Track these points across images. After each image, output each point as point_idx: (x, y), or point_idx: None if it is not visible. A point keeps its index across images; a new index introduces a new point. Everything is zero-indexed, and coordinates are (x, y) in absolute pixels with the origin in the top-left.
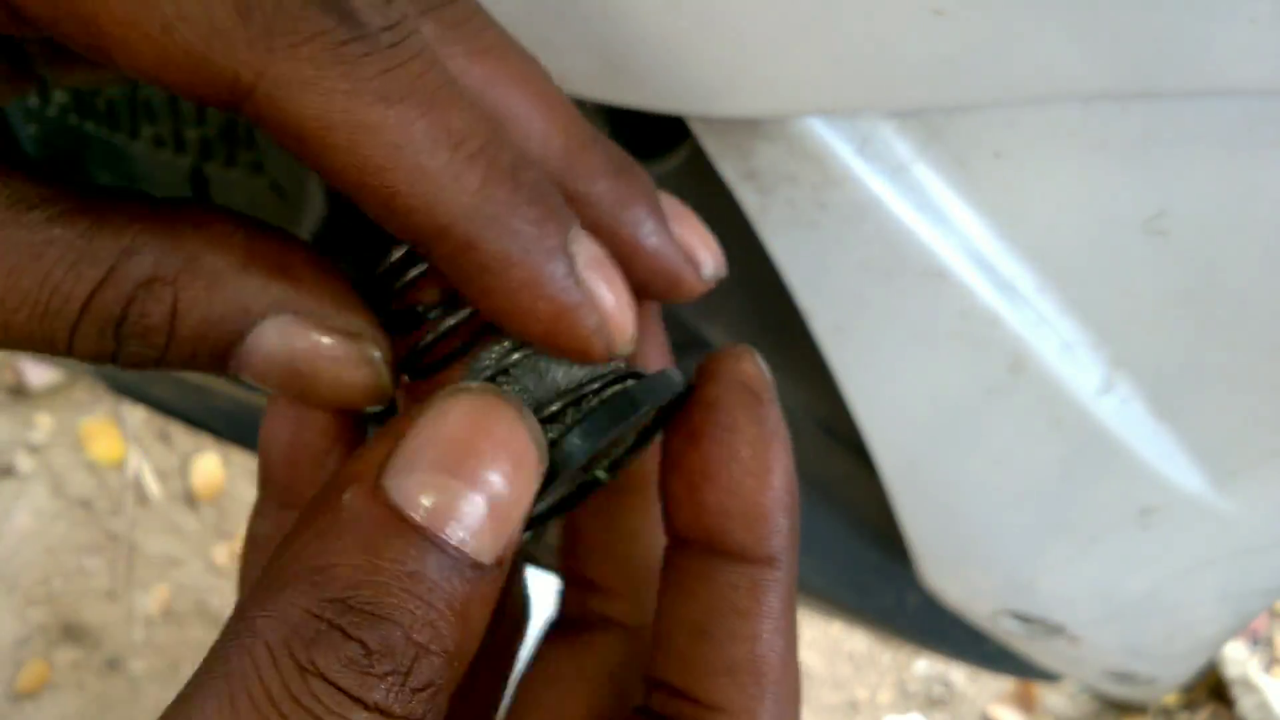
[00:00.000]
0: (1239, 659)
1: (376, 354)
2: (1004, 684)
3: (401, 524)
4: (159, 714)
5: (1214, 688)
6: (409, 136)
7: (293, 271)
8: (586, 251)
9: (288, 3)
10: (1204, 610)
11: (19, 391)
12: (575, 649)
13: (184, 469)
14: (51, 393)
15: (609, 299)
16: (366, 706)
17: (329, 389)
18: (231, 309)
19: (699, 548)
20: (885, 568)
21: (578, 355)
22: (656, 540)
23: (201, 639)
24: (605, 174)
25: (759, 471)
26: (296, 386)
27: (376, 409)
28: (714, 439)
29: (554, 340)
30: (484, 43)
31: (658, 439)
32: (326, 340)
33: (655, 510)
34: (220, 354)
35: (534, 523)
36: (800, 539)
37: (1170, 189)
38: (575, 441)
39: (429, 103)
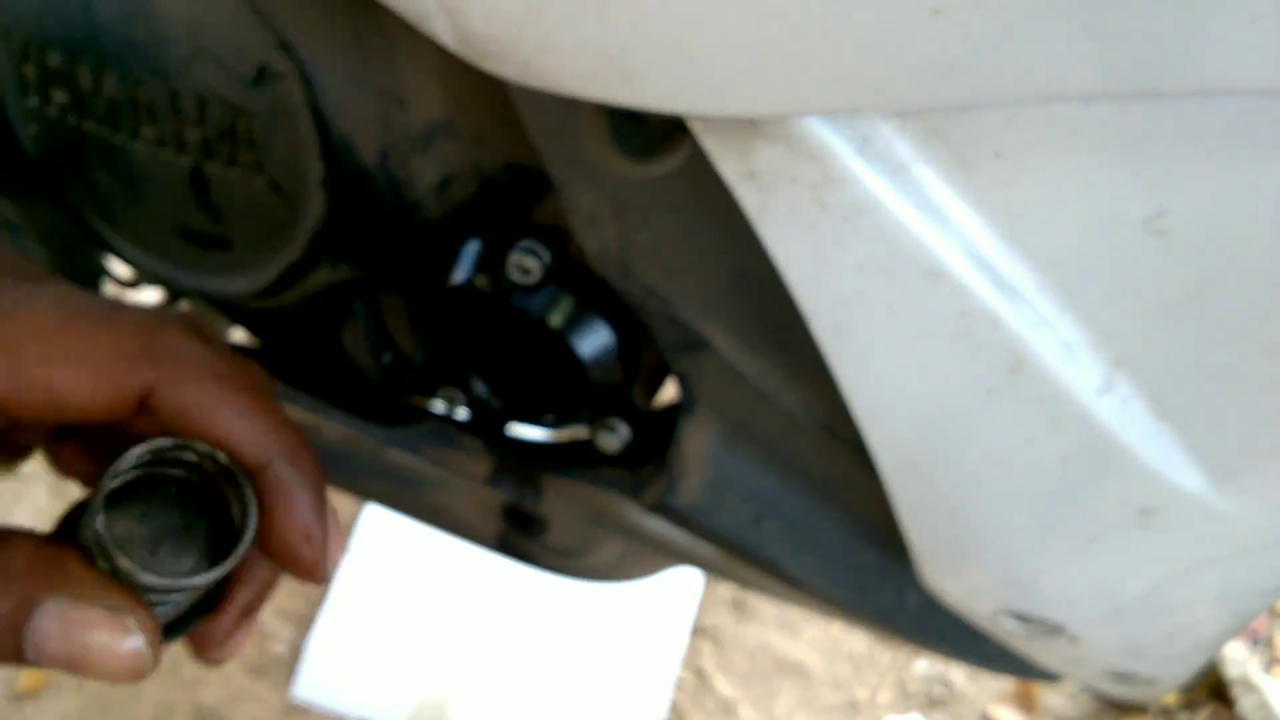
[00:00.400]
0: (1239, 659)
1: (133, 622)
2: (1004, 684)
3: None
4: (159, 715)
5: (1214, 687)
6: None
7: (66, 568)
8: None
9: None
10: (1204, 610)
11: None
12: None
13: None
14: None
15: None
16: None
17: (99, 659)
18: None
19: None
20: (885, 568)
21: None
22: None
23: None
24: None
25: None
26: (72, 658)
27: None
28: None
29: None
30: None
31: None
32: (94, 613)
33: None
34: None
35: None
36: (799, 539)
37: (1170, 189)
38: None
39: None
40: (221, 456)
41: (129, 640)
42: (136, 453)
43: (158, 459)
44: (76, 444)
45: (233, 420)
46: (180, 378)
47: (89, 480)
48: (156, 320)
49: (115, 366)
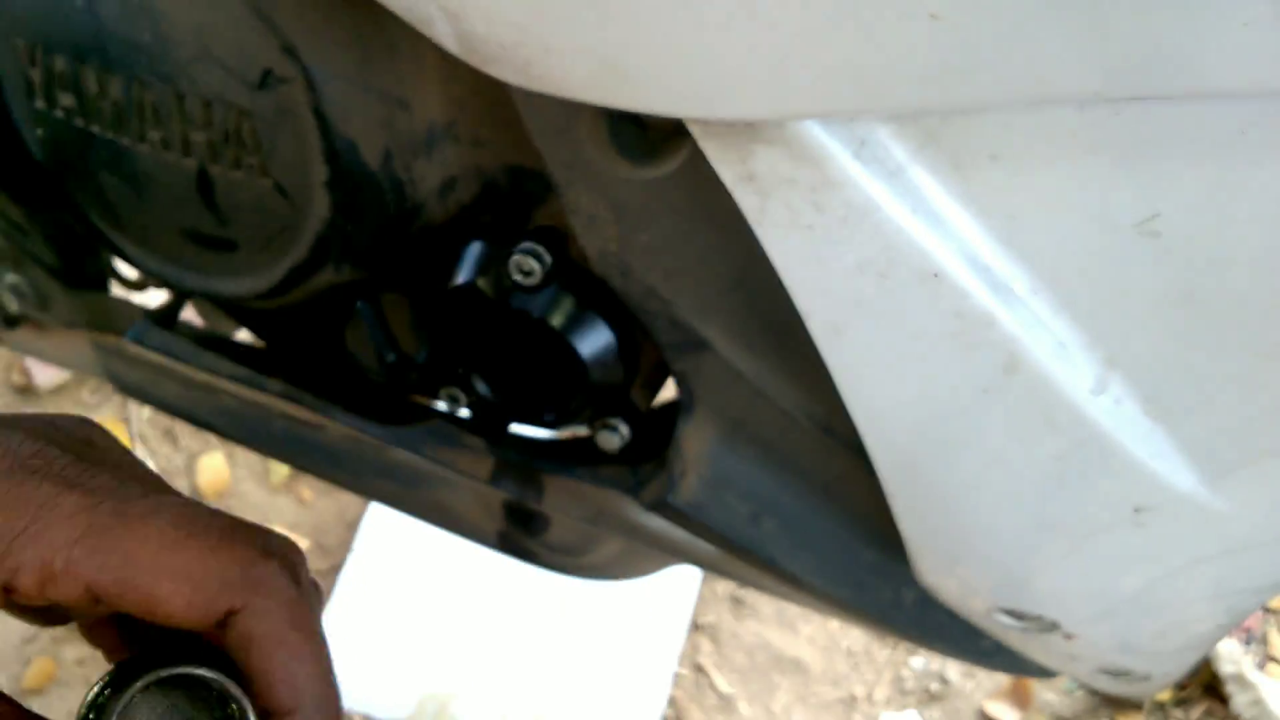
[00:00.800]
0: (1233, 656)
1: None
2: (999, 680)
3: None
4: None
5: (1208, 684)
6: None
7: None
8: None
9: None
10: (1197, 608)
11: (27, 391)
12: None
13: (190, 468)
14: (59, 392)
15: None
16: None
17: None
18: None
19: None
20: (882, 566)
21: None
22: None
23: None
24: None
25: None
26: None
27: None
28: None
29: None
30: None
31: None
32: None
33: None
34: None
35: None
36: (797, 537)
37: (1163, 191)
38: None
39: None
40: (248, 710)
41: None
42: (173, 674)
43: (183, 683)
44: (114, 626)
45: (286, 661)
46: (262, 610)
47: (113, 652)
48: (261, 550)
49: (213, 589)
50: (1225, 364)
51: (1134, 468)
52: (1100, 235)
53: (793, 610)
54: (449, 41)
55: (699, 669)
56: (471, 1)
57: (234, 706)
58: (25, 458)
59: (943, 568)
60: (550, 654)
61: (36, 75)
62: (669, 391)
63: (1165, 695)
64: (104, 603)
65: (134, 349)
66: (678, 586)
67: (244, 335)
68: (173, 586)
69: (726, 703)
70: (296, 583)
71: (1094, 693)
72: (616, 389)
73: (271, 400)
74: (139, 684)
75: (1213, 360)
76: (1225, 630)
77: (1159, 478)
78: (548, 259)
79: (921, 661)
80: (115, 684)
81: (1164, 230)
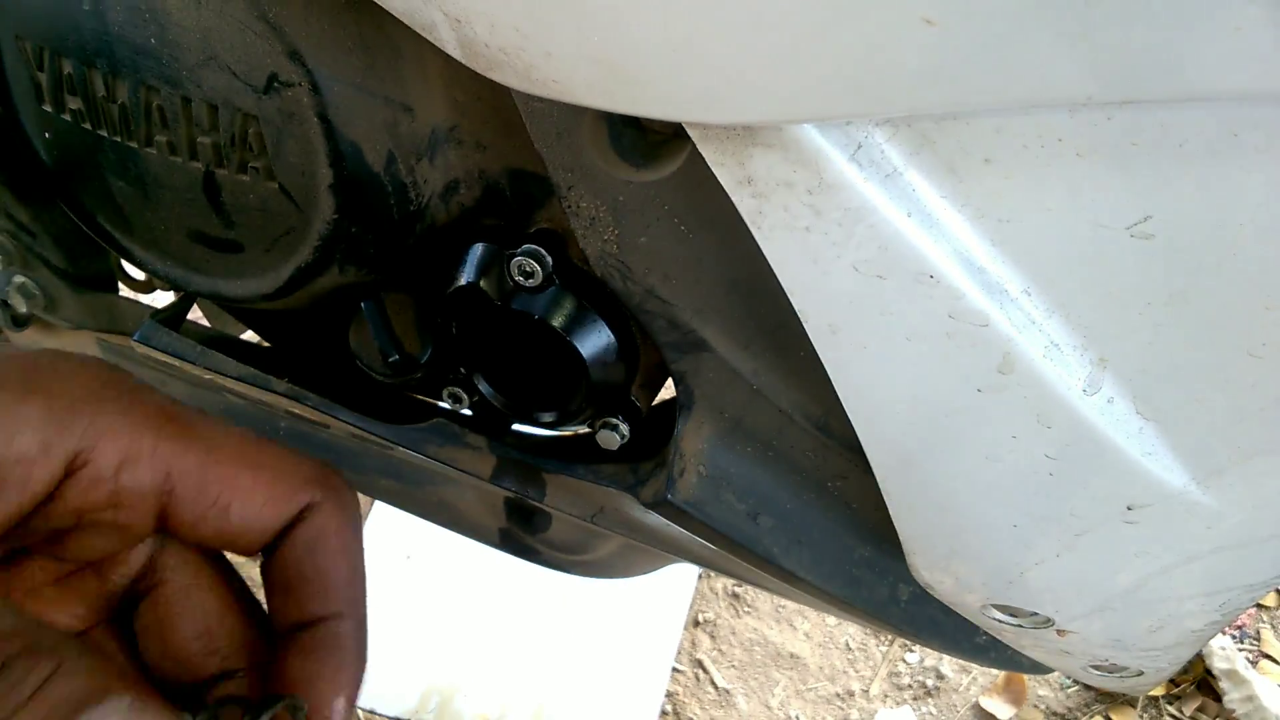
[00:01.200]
0: (1226, 653)
1: None
2: (994, 675)
3: None
4: None
5: (1201, 680)
6: None
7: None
8: None
9: None
10: (1189, 605)
11: None
12: None
13: None
14: None
15: None
16: None
17: None
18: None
19: None
20: (878, 562)
21: None
22: None
23: None
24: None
25: None
26: None
27: None
28: None
29: None
30: None
31: None
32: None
33: None
34: None
35: None
36: (794, 534)
37: (1155, 194)
38: None
39: None
40: None
41: None
42: None
43: None
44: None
45: (352, 563)
46: (337, 508)
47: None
48: (324, 460)
49: (297, 481)
50: (1216, 364)
51: (1126, 466)
52: (1093, 237)
53: (790, 606)
54: (452, 47)
55: (697, 664)
56: (474, 8)
57: None
58: (111, 366)
59: (937, 564)
60: (551, 650)
61: (44, 78)
62: (668, 391)
63: (1159, 691)
64: (176, 503)
65: (141, 349)
66: (676, 583)
67: (250, 336)
68: (255, 476)
69: (724, 697)
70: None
71: (1088, 688)
72: (616, 388)
73: (277, 400)
74: None
75: (1204, 360)
76: (1218, 627)
77: (1151, 476)
78: (549, 261)
79: (917, 657)
80: None
81: (1156, 232)
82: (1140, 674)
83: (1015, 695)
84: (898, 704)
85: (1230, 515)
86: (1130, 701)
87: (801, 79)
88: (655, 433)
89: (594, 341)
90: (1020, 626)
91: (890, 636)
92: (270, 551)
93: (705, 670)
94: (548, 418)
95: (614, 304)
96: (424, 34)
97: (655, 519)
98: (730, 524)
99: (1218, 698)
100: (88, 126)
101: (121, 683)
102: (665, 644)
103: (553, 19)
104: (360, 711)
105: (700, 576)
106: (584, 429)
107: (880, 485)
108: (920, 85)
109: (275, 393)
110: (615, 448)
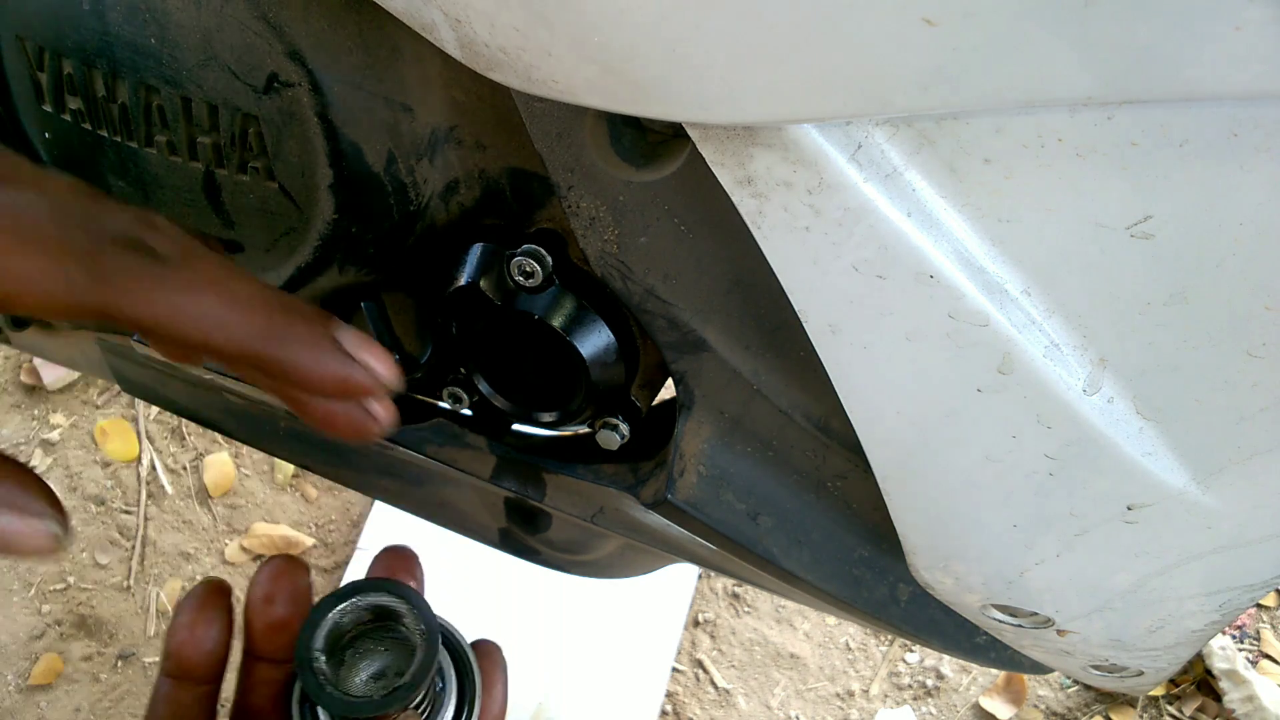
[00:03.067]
0: (1226, 653)
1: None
2: (994, 676)
3: None
4: None
5: (1201, 680)
6: (204, 307)
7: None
8: (348, 337)
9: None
10: (1189, 605)
11: (35, 390)
12: None
13: (196, 467)
14: (67, 391)
15: (371, 361)
16: None
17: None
18: None
19: None
20: (878, 562)
21: (361, 395)
22: None
23: None
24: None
25: None
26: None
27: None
28: None
29: (344, 395)
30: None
31: None
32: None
33: None
34: None
35: None
36: (794, 534)
37: (1155, 194)
38: None
39: (218, 284)
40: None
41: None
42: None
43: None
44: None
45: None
46: None
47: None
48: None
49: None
50: (1216, 364)
51: (1126, 466)
52: (1092, 237)
53: (790, 606)
54: (451, 47)
55: (697, 664)
56: (474, 7)
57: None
58: None
59: (937, 564)
60: (551, 650)
61: (44, 79)
62: (669, 391)
63: (1159, 691)
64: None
65: (141, 349)
66: (676, 583)
67: None
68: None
69: (724, 697)
70: None
71: (1088, 688)
72: (617, 388)
73: (276, 400)
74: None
75: (1204, 360)
76: (1218, 627)
77: (1151, 476)
78: (549, 261)
79: (917, 657)
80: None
81: (1156, 232)
82: (1140, 674)
83: (1015, 695)
84: (898, 704)
85: (1231, 515)
86: (1130, 701)
87: (801, 79)
88: (655, 433)
89: (594, 341)
90: (1020, 626)
91: (890, 636)
92: None
93: (705, 670)
94: (548, 418)
95: (614, 304)
96: (424, 34)
97: (655, 519)
98: (730, 524)
99: (1218, 698)
100: (88, 126)
101: None
102: (665, 644)
103: (553, 19)
104: None
105: (700, 576)
106: (584, 429)
107: (880, 485)
108: (920, 85)
109: None
110: (615, 448)
